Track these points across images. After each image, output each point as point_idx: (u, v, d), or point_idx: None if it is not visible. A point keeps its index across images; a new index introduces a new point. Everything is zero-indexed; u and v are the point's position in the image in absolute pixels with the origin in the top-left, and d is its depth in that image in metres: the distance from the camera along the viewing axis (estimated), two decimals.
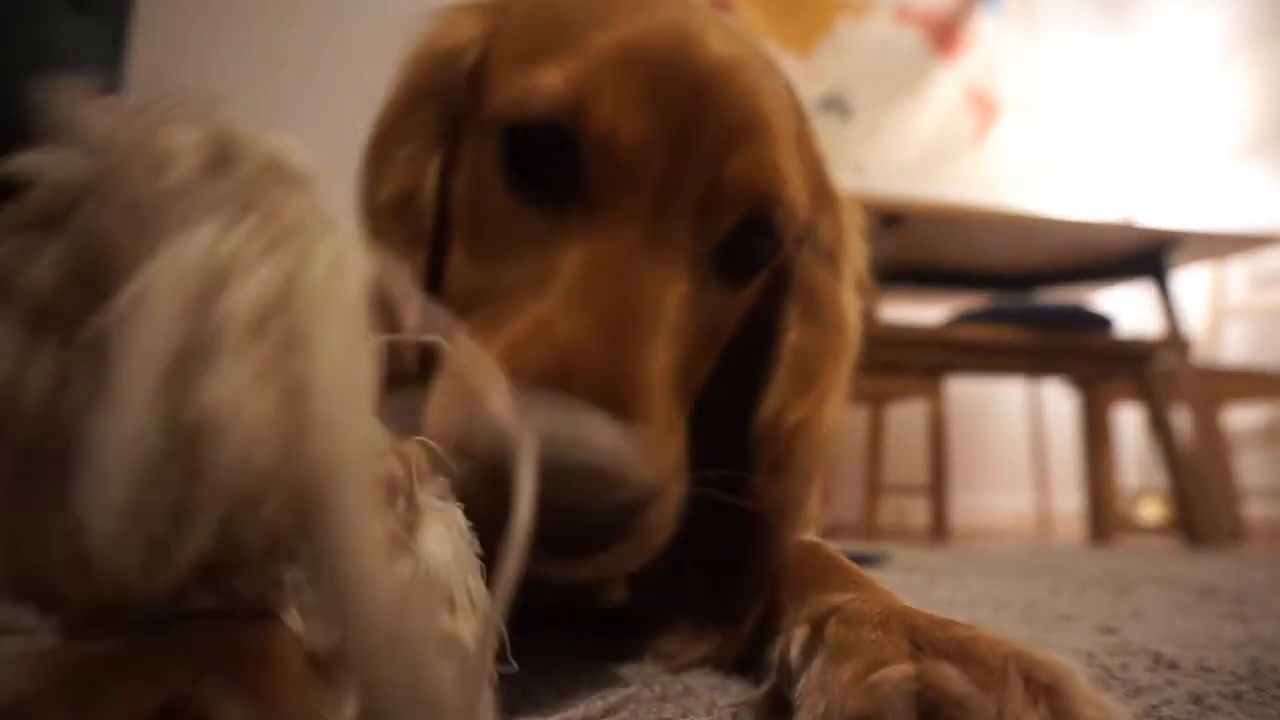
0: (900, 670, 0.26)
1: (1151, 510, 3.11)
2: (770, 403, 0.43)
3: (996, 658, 0.27)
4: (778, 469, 0.42)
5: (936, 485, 2.62)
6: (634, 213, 0.37)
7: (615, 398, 0.33)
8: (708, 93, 0.37)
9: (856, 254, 0.49)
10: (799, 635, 0.32)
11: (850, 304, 0.47)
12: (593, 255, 0.36)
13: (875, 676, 0.26)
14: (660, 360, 0.36)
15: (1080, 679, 0.27)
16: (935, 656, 0.27)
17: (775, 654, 0.34)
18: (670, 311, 0.37)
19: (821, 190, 0.47)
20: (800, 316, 0.45)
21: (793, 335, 0.44)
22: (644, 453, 0.32)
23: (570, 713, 0.32)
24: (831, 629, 0.31)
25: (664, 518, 0.35)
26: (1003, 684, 0.26)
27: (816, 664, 0.30)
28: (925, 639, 0.29)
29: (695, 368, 0.41)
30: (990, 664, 0.27)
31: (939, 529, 2.57)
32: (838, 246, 0.47)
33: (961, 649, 0.28)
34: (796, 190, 0.40)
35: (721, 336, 0.42)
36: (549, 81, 0.37)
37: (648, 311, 0.36)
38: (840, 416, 0.46)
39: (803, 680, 0.30)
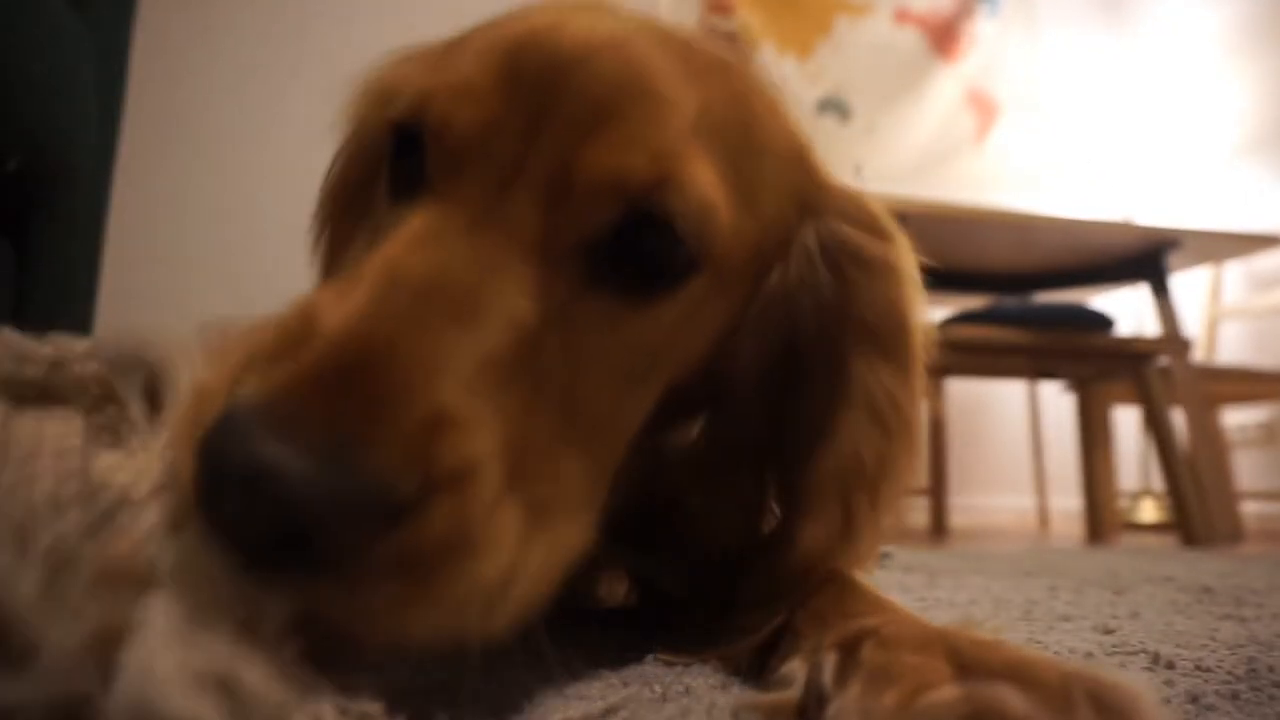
0: (949, 693, 0.25)
1: (1149, 511, 3.11)
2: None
3: (1054, 678, 0.25)
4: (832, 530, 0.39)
5: (935, 485, 2.62)
6: (466, 196, 0.32)
7: (371, 376, 0.26)
8: (568, 74, 0.33)
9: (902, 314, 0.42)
10: (830, 660, 0.30)
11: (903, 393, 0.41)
12: (407, 235, 0.31)
13: (923, 701, 0.25)
14: (472, 348, 0.29)
15: (1154, 702, 0.25)
16: (985, 679, 0.25)
17: (794, 673, 0.32)
18: (498, 299, 0.30)
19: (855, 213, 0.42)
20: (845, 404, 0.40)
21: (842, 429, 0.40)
22: (401, 440, 0.25)
23: (570, 712, 0.32)
24: (867, 652, 0.29)
25: (501, 570, 0.28)
26: (1068, 708, 0.24)
27: (854, 689, 0.28)
28: (971, 660, 0.27)
29: (609, 396, 0.34)
30: (1050, 686, 0.25)
31: (938, 529, 2.57)
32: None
33: (1014, 670, 0.26)
34: (704, 184, 0.34)
35: (657, 361, 0.36)
36: (409, 80, 0.36)
37: (457, 295, 0.29)
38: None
39: (836, 704, 0.28)
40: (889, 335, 0.41)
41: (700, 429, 0.43)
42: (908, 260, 0.43)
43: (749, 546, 0.43)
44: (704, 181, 0.34)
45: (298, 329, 0.28)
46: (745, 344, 0.41)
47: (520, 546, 0.29)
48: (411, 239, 0.31)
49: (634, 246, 0.33)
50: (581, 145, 0.33)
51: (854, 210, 0.43)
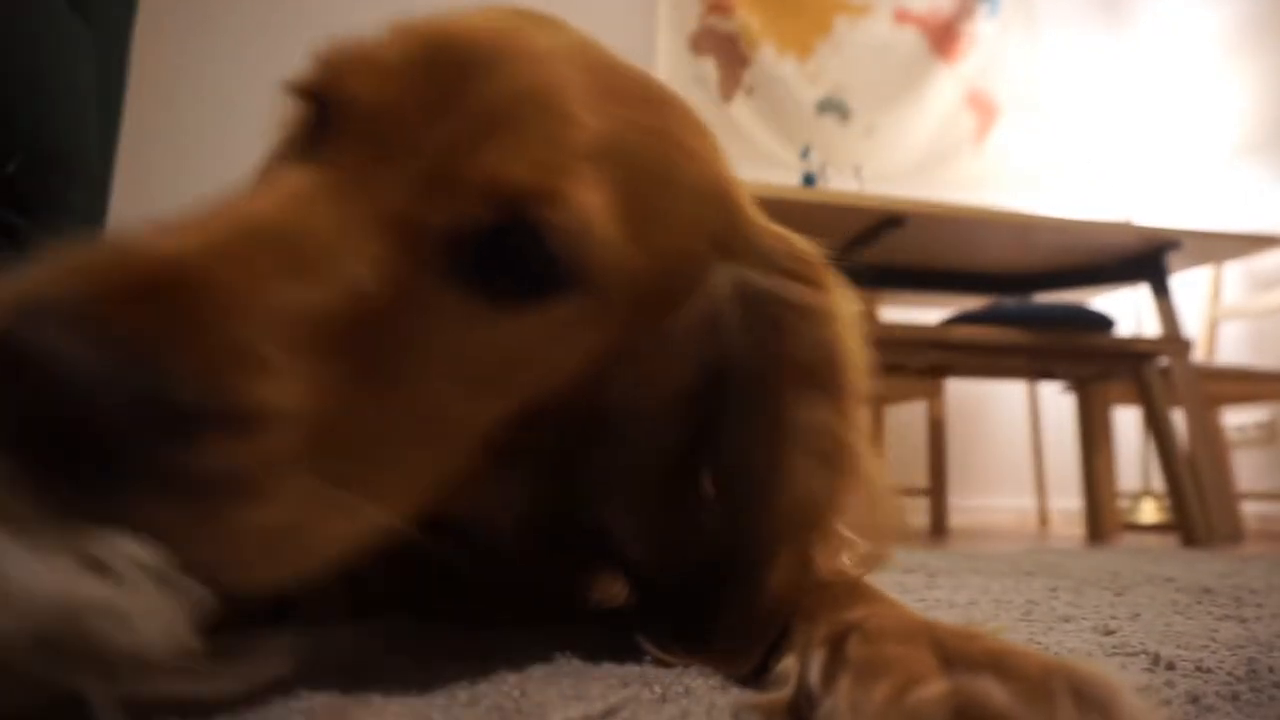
0: (937, 688, 0.25)
1: (1149, 511, 3.11)
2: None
3: (1035, 670, 0.25)
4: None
5: (935, 485, 2.63)
6: (343, 164, 0.32)
7: (183, 297, 0.26)
8: (478, 75, 0.33)
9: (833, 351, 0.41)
10: (818, 657, 0.31)
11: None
12: (269, 188, 0.31)
13: (912, 698, 0.25)
14: (297, 302, 0.28)
15: (1131, 694, 0.25)
16: (968, 671, 0.26)
17: (788, 671, 0.32)
18: (340, 264, 0.30)
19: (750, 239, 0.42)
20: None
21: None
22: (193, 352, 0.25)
23: (570, 712, 0.32)
24: (853, 647, 0.30)
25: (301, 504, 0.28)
26: (1048, 699, 0.24)
27: (843, 685, 0.28)
28: (954, 652, 0.27)
29: (454, 395, 0.33)
30: (1031, 678, 0.25)
31: (938, 529, 2.57)
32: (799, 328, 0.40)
33: (996, 661, 0.26)
34: (588, 205, 0.33)
35: (513, 372, 0.35)
36: (325, 57, 0.36)
37: (296, 248, 0.29)
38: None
39: (828, 702, 0.28)
40: (827, 375, 0.40)
41: (606, 460, 0.42)
42: (843, 304, 0.42)
43: (703, 578, 0.42)
44: (588, 203, 0.33)
45: (133, 249, 0.27)
46: (642, 379, 0.39)
47: (310, 511, 0.29)
48: (271, 191, 0.31)
49: (508, 253, 0.33)
50: (471, 144, 0.33)
51: (783, 255, 0.42)
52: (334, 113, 0.34)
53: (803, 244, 0.43)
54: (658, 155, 0.38)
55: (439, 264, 0.32)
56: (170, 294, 0.26)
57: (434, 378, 0.33)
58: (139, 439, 0.24)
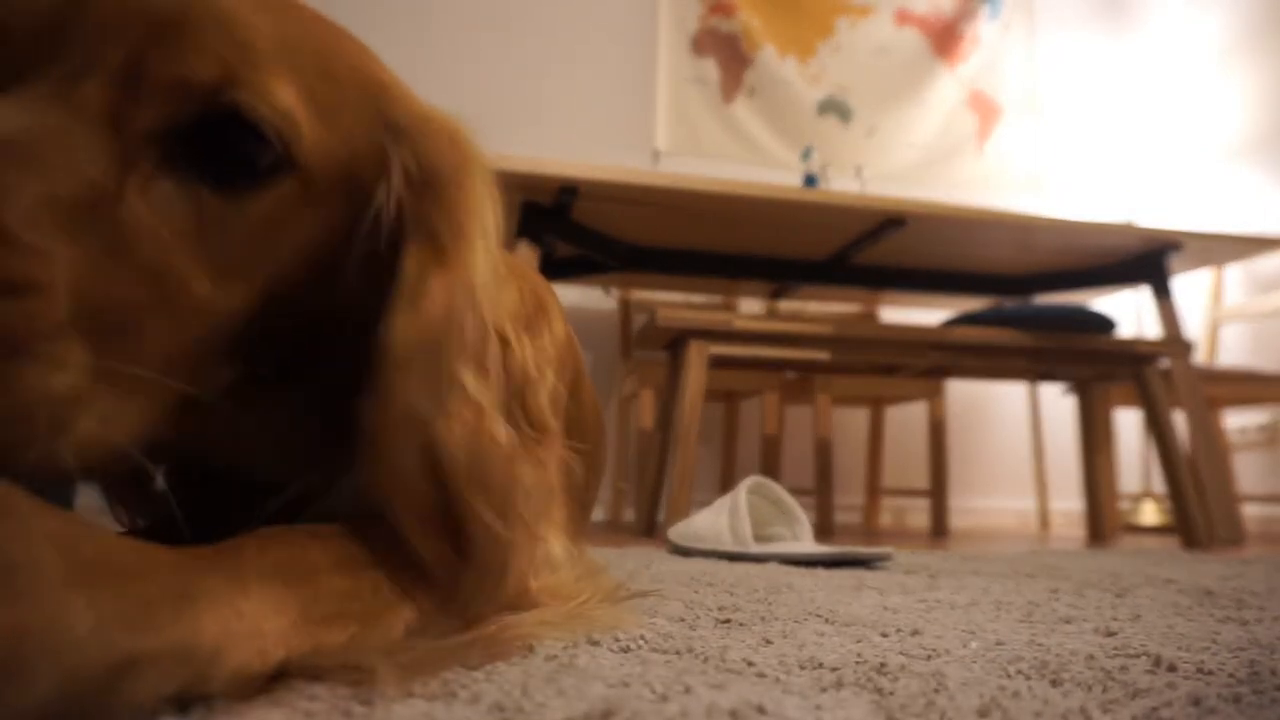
0: None
1: (1150, 513, 3.11)
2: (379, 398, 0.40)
3: None
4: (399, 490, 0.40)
5: (936, 487, 2.62)
6: (38, 88, 0.34)
7: None
8: None
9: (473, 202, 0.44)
10: None
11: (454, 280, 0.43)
12: None
13: None
14: (34, 188, 0.31)
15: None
16: None
17: None
18: (65, 156, 0.33)
19: (401, 123, 0.44)
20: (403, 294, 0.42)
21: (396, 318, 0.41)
22: None
23: (570, 712, 0.32)
24: None
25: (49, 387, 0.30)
26: None
27: None
28: None
29: (199, 279, 0.36)
30: None
31: (938, 530, 2.57)
32: (438, 187, 0.44)
33: None
34: (282, 92, 0.37)
35: (249, 255, 0.38)
36: None
37: (21, 149, 0.32)
38: (496, 431, 0.43)
39: None
40: (451, 237, 0.44)
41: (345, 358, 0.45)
42: (482, 172, 0.46)
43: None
44: (281, 91, 0.37)
45: None
46: (361, 264, 0.43)
47: (88, 380, 0.32)
48: None
49: (222, 143, 0.37)
50: (156, 48, 0.36)
51: (438, 131, 0.45)
52: (3, 48, 0.36)
53: (452, 120, 0.46)
54: (321, 52, 0.41)
55: (157, 157, 0.36)
56: None
57: (175, 260, 0.36)
58: None
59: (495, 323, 0.46)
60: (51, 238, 0.31)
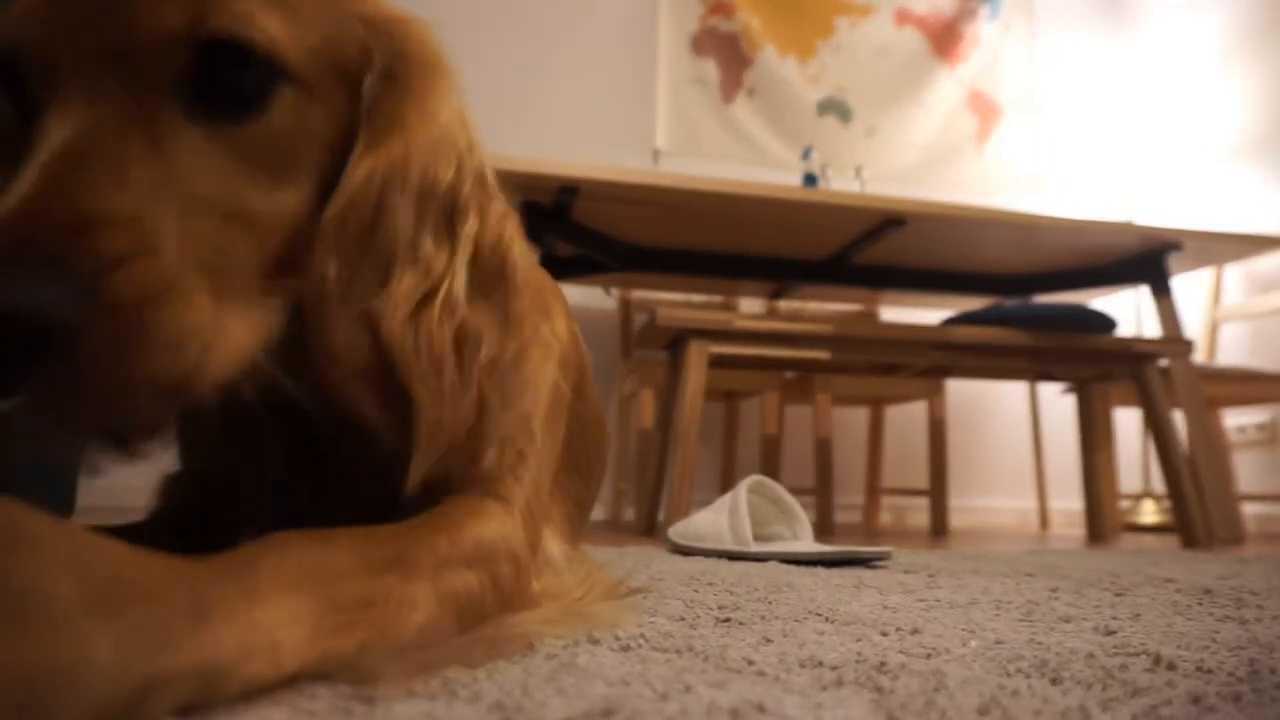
0: None
1: (1150, 512, 3.11)
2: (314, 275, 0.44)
3: None
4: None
5: (936, 486, 2.62)
6: (77, 95, 0.38)
7: (34, 220, 0.33)
8: None
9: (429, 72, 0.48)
10: None
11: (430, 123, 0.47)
12: (47, 140, 0.38)
13: None
14: (108, 183, 0.36)
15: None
16: None
17: None
18: (128, 157, 0.37)
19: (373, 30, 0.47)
20: (365, 145, 0.45)
21: (355, 169, 0.44)
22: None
23: (570, 711, 0.32)
24: None
25: (175, 341, 0.35)
26: None
27: None
28: None
29: (260, 193, 0.41)
30: None
31: (938, 529, 2.57)
32: (404, 73, 0.47)
33: None
34: (242, 6, 0.40)
35: (288, 159, 0.43)
36: None
37: (96, 161, 0.37)
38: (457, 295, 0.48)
39: None
40: (397, 119, 0.46)
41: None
42: (446, 67, 0.50)
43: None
44: (241, 5, 0.40)
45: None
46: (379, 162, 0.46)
47: (214, 307, 0.38)
48: (50, 139, 0.37)
49: (225, 75, 0.40)
50: (131, 14, 0.39)
51: (408, 29, 0.49)
52: (28, 67, 0.40)
53: (422, 22, 0.50)
54: None
55: (178, 110, 0.40)
56: (22, 223, 0.33)
57: (230, 188, 0.40)
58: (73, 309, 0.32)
59: (462, 192, 0.48)
60: (140, 210, 0.36)
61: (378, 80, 0.46)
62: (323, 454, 0.52)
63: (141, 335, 0.34)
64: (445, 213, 0.47)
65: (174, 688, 0.28)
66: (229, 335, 0.38)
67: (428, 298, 0.46)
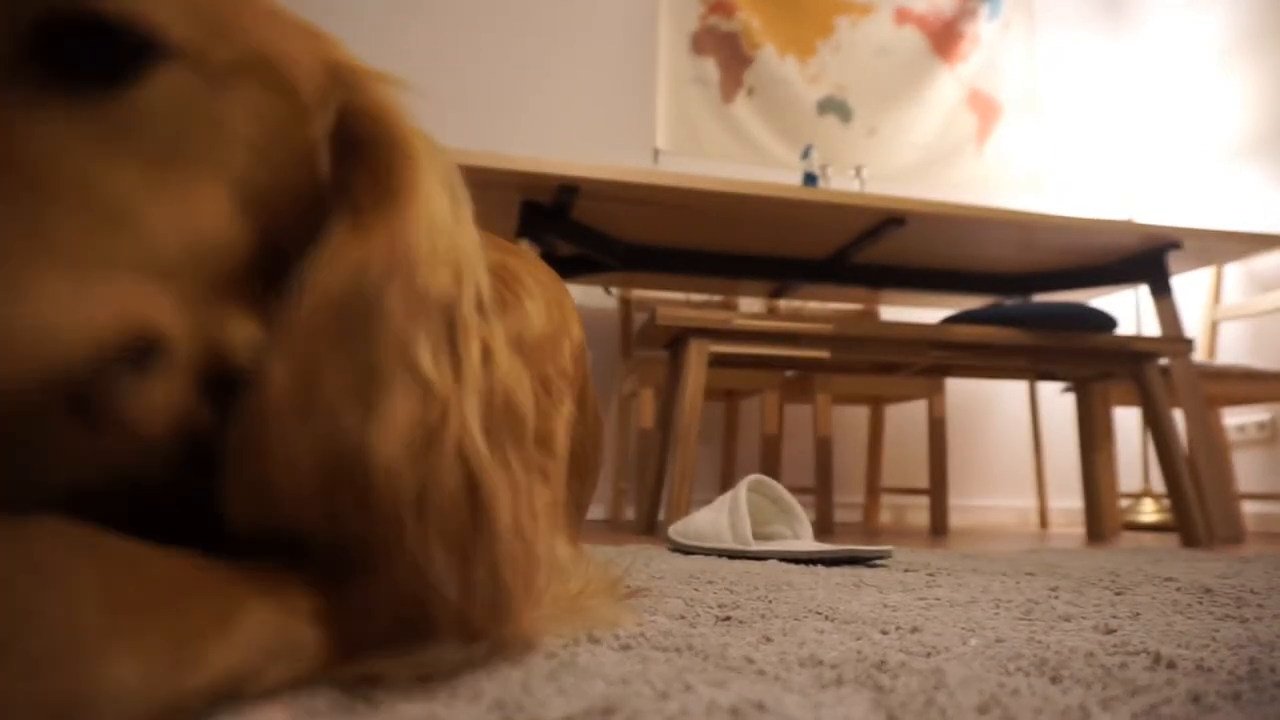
0: None
1: (1150, 511, 3.11)
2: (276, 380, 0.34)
3: None
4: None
5: (935, 485, 2.62)
6: None
7: None
8: None
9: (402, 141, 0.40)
10: None
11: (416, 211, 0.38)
12: None
13: None
14: None
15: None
16: None
17: None
18: None
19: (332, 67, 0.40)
20: (346, 226, 0.37)
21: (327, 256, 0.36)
22: None
23: (571, 709, 0.32)
24: None
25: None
26: None
27: None
28: None
29: (131, 186, 0.33)
30: None
31: (938, 528, 2.57)
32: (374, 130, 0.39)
33: None
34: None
35: (174, 150, 0.35)
36: None
37: None
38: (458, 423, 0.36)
39: None
40: (382, 202, 0.39)
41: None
42: (424, 140, 0.41)
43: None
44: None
45: None
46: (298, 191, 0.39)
47: (29, 275, 0.28)
48: None
49: (85, 49, 0.33)
50: None
51: (375, 82, 0.41)
52: None
53: (391, 78, 0.42)
54: None
55: (31, 83, 0.32)
56: None
57: (97, 173, 0.32)
58: None
59: (460, 309, 0.39)
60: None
61: (344, 139, 0.39)
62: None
63: None
64: (445, 328, 0.38)
65: (199, 700, 0.28)
66: (40, 311, 0.28)
67: (433, 431, 0.36)
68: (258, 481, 0.34)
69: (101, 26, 0.33)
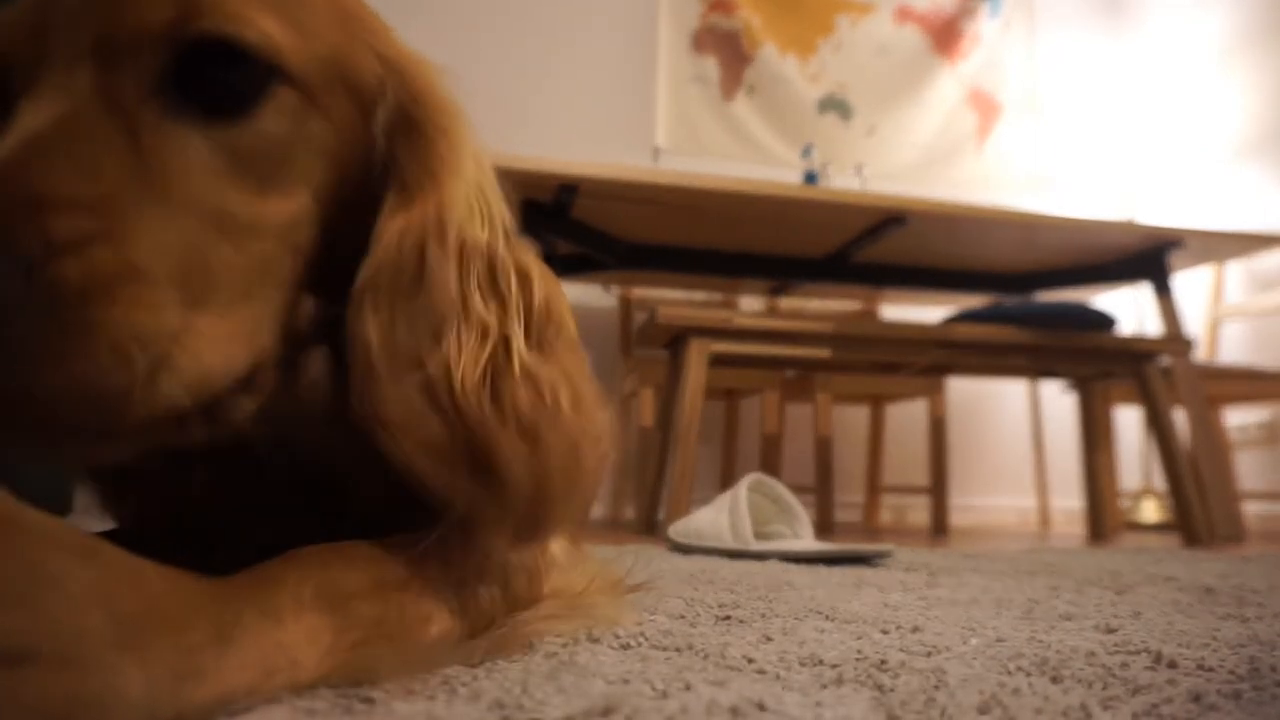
0: None
1: (1151, 511, 3.11)
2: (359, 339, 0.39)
3: None
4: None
5: (936, 485, 2.62)
6: (44, 90, 0.35)
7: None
8: None
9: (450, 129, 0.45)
10: None
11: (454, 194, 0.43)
12: (16, 123, 0.35)
13: None
14: (67, 171, 0.32)
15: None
16: None
17: None
18: (89, 145, 0.34)
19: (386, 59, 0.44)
20: (395, 206, 0.42)
21: (386, 232, 0.41)
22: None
23: (571, 709, 0.32)
24: None
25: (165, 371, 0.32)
26: None
27: None
28: None
29: (245, 199, 0.37)
30: None
31: (939, 528, 2.57)
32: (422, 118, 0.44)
33: None
34: (233, 4, 0.37)
35: (279, 167, 0.39)
36: None
37: (56, 149, 0.33)
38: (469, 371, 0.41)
39: None
40: (426, 176, 0.43)
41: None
42: (464, 116, 0.47)
43: None
44: (240, 6, 0.37)
45: None
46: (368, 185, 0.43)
47: (182, 315, 0.33)
48: (17, 127, 0.34)
49: (216, 73, 0.37)
50: (113, 10, 0.36)
51: (423, 69, 0.46)
52: (6, 73, 0.37)
53: (434, 65, 0.47)
54: None
55: (160, 108, 0.36)
56: None
57: (212, 190, 0.36)
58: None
59: (497, 251, 0.45)
60: (106, 199, 0.32)
61: (395, 124, 0.43)
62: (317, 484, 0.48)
63: (81, 329, 0.29)
64: (488, 271, 0.44)
65: (200, 713, 0.28)
66: (195, 352, 0.33)
67: (494, 359, 0.42)
68: (387, 438, 0.39)
69: (239, 54, 0.37)
